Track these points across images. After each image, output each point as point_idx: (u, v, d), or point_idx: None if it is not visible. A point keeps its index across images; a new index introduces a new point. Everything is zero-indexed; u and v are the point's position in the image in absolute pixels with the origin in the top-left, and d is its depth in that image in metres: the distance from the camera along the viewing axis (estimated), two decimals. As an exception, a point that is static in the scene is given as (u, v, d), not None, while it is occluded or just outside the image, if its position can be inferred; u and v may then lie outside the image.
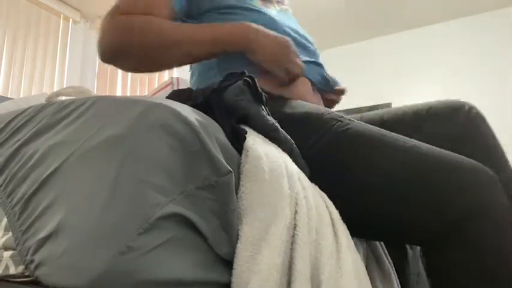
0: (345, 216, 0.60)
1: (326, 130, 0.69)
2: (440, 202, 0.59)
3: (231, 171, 0.47)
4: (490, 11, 3.87)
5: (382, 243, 0.79)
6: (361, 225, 0.66)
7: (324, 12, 3.86)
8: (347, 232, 0.58)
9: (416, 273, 0.84)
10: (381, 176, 0.63)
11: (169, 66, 0.85)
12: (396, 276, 0.75)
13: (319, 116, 0.71)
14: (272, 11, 0.94)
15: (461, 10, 3.88)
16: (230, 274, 0.46)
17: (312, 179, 0.63)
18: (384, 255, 0.77)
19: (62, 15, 2.99)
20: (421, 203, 0.60)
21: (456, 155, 0.64)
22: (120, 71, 3.21)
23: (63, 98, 0.77)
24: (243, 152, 0.54)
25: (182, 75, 1.58)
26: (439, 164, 0.62)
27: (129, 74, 3.24)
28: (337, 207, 0.60)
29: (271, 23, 0.88)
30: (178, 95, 0.67)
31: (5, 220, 0.50)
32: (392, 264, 0.77)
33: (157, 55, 0.79)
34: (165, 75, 3.27)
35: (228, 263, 0.47)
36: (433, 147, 0.65)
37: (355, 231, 0.65)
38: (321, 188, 0.63)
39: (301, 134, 0.69)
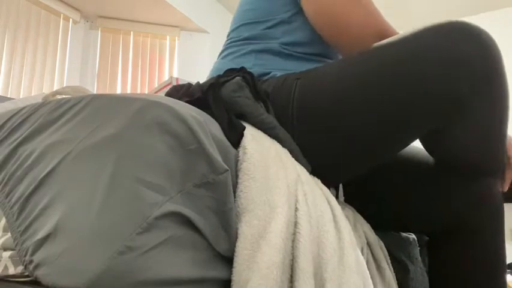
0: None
1: None
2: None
3: (227, 170, 0.47)
4: None
5: (385, 250, 0.79)
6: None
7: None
8: (349, 227, 0.58)
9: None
10: None
11: None
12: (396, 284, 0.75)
13: None
14: None
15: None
16: (229, 270, 0.46)
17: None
18: (385, 262, 0.76)
19: (62, 15, 2.98)
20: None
21: None
22: (120, 71, 3.20)
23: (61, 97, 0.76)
24: (241, 149, 0.54)
25: (181, 75, 1.57)
26: None
27: (129, 74, 3.23)
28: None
29: None
30: (178, 90, 0.67)
31: (3, 220, 0.50)
32: (394, 273, 0.76)
33: None
34: (165, 75, 3.26)
35: (227, 260, 0.47)
36: None
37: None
38: None
39: None
